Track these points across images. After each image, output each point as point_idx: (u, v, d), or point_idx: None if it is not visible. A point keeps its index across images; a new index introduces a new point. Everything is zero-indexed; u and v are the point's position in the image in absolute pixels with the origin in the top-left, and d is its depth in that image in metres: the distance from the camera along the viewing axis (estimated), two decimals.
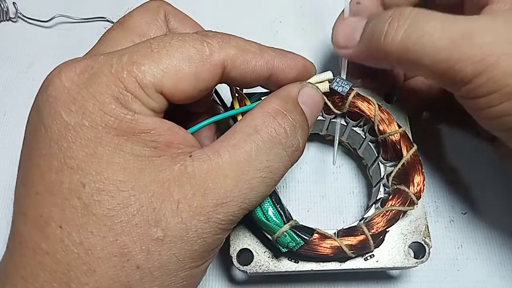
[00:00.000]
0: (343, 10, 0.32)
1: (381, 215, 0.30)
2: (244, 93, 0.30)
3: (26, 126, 0.24)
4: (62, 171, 0.21)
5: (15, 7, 0.44)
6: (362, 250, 0.29)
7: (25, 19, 0.45)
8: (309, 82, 0.29)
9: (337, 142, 0.35)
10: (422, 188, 0.30)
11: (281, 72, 0.27)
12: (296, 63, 0.27)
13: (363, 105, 0.33)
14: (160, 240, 0.21)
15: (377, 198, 0.33)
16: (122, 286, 0.21)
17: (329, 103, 0.32)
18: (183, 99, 0.24)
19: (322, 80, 0.30)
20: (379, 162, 0.34)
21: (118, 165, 0.21)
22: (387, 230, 0.30)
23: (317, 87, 0.28)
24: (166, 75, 0.23)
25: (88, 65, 0.23)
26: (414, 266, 0.30)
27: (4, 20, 0.45)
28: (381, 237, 0.30)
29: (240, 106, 0.29)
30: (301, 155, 0.26)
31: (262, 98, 0.28)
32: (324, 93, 0.30)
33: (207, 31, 0.26)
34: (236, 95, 0.29)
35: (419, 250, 0.30)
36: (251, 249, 0.30)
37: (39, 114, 0.22)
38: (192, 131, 0.26)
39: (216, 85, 0.25)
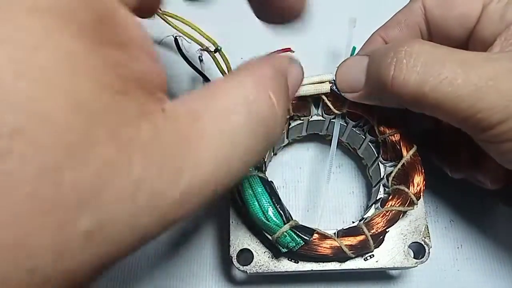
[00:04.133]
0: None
1: (381, 215, 0.30)
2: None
3: None
4: None
5: None
6: (362, 250, 0.29)
7: None
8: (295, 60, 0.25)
9: (334, 147, 0.33)
10: (422, 188, 0.30)
11: None
12: None
13: (363, 106, 0.33)
14: (87, 236, 0.13)
15: (377, 198, 0.33)
16: None
17: (329, 103, 0.32)
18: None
19: (323, 81, 0.30)
20: (379, 162, 0.34)
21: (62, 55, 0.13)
22: (387, 230, 0.30)
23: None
24: None
25: None
26: (414, 266, 0.30)
27: None
28: (381, 237, 0.30)
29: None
30: (280, 136, 0.24)
31: None
32: (324, 94, 0.30)
33: None
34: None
35: (419, 250, 0.30)
36: (251, 249, 0.30)
37: None
38: None
39: None
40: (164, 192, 0.15)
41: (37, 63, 0.12)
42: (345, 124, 0.35)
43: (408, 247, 0.30)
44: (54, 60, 0.12)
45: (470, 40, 0.30)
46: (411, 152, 0.31)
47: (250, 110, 0.18)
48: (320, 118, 0.35)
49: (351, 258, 0.29)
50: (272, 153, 0.37)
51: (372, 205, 0.33)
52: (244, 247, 0.30)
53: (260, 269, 0.30)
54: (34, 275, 0.12)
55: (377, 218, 0.30)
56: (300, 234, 0.28)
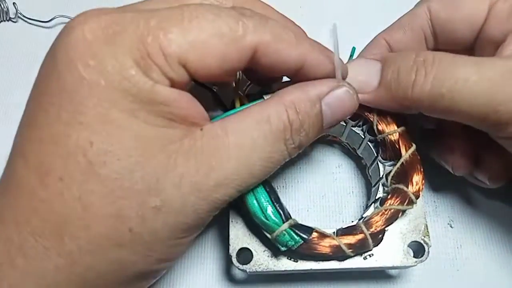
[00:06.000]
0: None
1: (380, 214, 0.30)
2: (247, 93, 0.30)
3: (40, 68, 0.24)
4: (70, 125, 0.21)
5: (15, 7, 0.44)
6: (361, 249, 0.29)
7: (25, 19, 0.45)
8: (350, 84, 0.27)
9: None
10: (421, 187, 0.30)
11: (312, 68, 0.26)
12: (331, 62, 0.27)
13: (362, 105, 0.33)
14: (157, 209, 0.22)
15: (376, 197, 0.33)
16: (112, 244, 0.22)
17: None
18: (206, 77, 0.23)
19: None
20: (378, 162, 0.34)
21: (130, 131, 0.22)
22: (386, 229, 0.30)
23: (356, 91, 0.27)
24: (192, 48, 0.22)
25: (114, 20, 0.22)
26: (413, 266, 0.30)
27: (4, 20, 0.45)
28: (380, 236, 0.30)
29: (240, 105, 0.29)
30: (299, 151, 0.26)
31: (265, 96, 0.28)
32: None
33: (245, 8, 0.24)
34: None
35: (418, 250, 0.30)
36: (251, 248, 0.30)
37: (54, 60, 0.22)
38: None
39: (243, 68, 0.24)
40: (201, 182, 0.22)
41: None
42: (344, 124, 0.35)
43: (408, 246, 0.30)
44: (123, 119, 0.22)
45: (477, 42, 0.30)
46: (410, 151, 0.31)
47: (270, 128, 0.24)
48: None
49: (350, 257, 0.29)
50: None
51: (371, 204, 0.33)
52: (243, 246, 0.30)
53: (259, 268, 0.30)
54: (131, 232, 0.22)
55: (376, 217, 0.30)
56: (299, 233, 0.28)
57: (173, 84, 0.22)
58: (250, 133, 0.24)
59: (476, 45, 0.31)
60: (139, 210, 0.22)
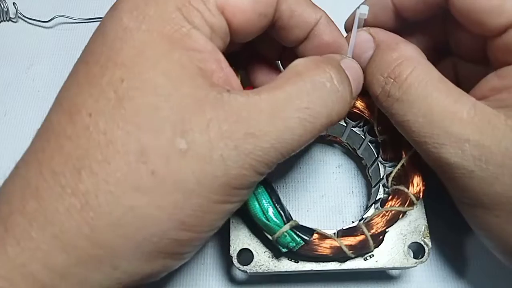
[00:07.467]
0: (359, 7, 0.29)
1: (381, 215, 0.30)
2: None
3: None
4: (106, 66, 0.22)
5: (15, 7, 0.44)
6: (362, 250, 0.29)
7: (25, 19, 0.45)
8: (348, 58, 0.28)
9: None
10: (421, 189, 0.30)
11: (321, 30, 0.27)
12: (336, 34, 0.28)
13: (363, 106, 0.33)
14: (182, 152, 0.21)
15: (377, 198, 0.33)
16: (130, 187, 0.21)
17: None
18: (242, 23, 0.24)
19: None
20: (379, 163, 0.34)
21: (162, 69, 0.22)
22: (387, 230, 0.30)
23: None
24: None
25: None
26: (414, 266, 0.30)
27: (4, 20, 0.45)
28: (381, 237, 0.30)
29: None
30: (348, 109, 0.26)
31: None
32: None
33: None
34: None
35: (418, 250, 0.30)
36: (251, 249, 0.30)
37: (102, 23, 0.24)
38: None
39: (273, 14, 0.25)
40: (230, 129, 0.21)
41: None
42: (345, 125, 0.35)
43: (408, 247, 0.30)
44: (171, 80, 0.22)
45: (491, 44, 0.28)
46: (411, 152, 0.31)
47: (302, 79, 0.23)
48: None
49: (351, 258, 0.29)
50: None
51: (371, 205, 0.33)
52: (244, 247, 0.30)
53: (260, 268, 0.30)
54: (153, 175, 0.21)
55: (377, 218, 0.30)
56: (300, 234, 0.28)
57: (213, 32, 0.24)
58: (281, 88, 0.23)
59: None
60: (163, 150, 0.21)
